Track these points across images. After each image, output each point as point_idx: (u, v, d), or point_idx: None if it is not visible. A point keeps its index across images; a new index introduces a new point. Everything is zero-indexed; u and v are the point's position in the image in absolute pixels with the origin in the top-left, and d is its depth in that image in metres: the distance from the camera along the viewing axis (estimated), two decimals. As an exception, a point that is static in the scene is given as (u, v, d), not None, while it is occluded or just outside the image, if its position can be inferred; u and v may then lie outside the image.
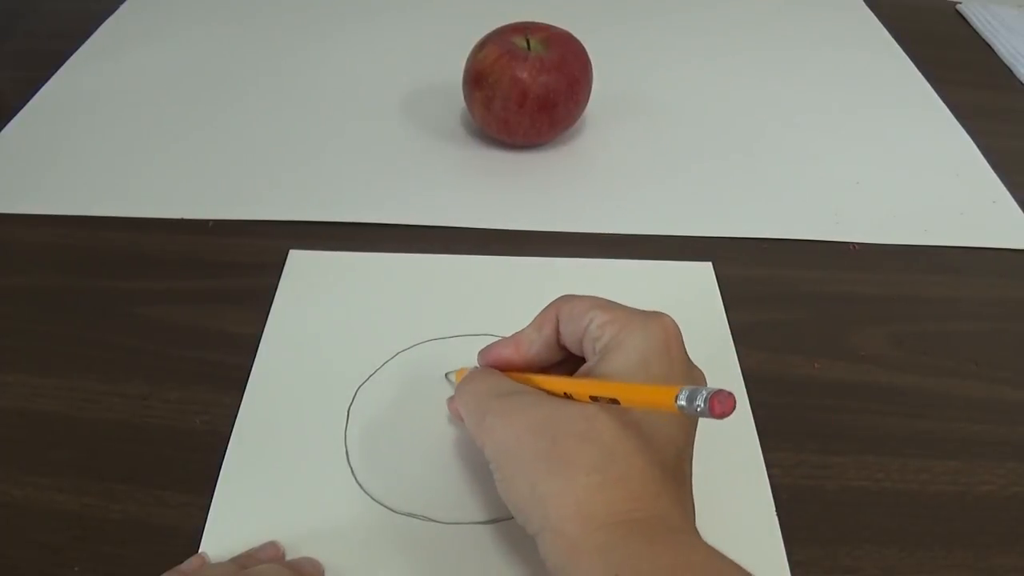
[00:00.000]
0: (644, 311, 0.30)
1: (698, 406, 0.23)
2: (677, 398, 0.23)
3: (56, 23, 0.70)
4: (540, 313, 0.33)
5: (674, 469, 0.28)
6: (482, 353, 0.34)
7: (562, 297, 0.33)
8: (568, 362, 0.33)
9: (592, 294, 0.32)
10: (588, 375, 0.30)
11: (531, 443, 0.27)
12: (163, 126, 0.56)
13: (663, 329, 0.29)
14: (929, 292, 0.46)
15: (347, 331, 0.42)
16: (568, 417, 0.27)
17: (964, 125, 0.60)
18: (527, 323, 0.33)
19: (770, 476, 0.36)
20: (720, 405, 0.22)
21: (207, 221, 0.49)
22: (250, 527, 0.33)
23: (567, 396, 0.29)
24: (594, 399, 0.27)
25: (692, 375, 0.30)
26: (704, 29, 0.71)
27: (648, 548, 0.25)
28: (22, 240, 0.47)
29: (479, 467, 0.36)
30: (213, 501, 0.34)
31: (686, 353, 0.30)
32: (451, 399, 0.35)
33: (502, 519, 0.34)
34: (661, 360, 0.29)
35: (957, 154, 0.57)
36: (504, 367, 0.33)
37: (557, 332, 0.32)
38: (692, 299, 0.44)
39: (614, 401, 0.26)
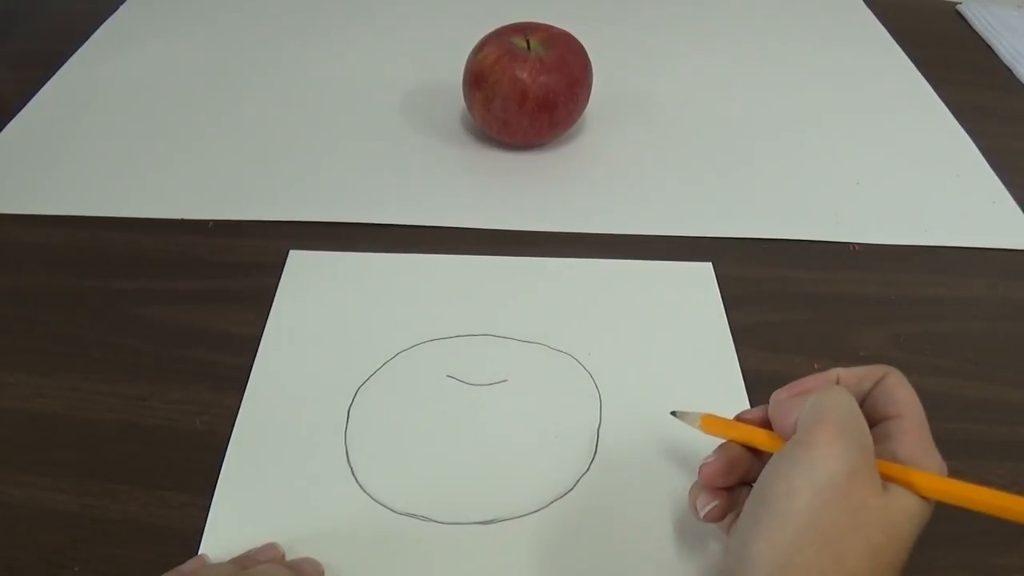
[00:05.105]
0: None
1: None
2: None
3: (56, 23, 0.70)
4: (860, 369, 0.30)
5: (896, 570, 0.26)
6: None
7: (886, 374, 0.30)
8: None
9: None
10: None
11: (823, 511, 0.25)
12: (163, 126, 0.56)
13: None
14: (929, 292, 0.46)
15: (347, 331, 0.42)
16: (882, 507, 0.25)
17: (964, 125, 0.60)
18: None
19: (770, 476, 0.36)
20: None
21: (207, 221, 0.49)
22: (250, 527, 0.33)
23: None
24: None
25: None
26: (704, 30, 0.71)
27: None
28: (22, 240, 0.47)
29: (479, 467, 0.36)
30: (213, 501, 0.34)
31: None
32: (706, 464, 0.30)
33: (502, 519, 0.34)
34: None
35: (957, 154, 0.57)
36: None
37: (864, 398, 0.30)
38: (692, 299, 0.44)
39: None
